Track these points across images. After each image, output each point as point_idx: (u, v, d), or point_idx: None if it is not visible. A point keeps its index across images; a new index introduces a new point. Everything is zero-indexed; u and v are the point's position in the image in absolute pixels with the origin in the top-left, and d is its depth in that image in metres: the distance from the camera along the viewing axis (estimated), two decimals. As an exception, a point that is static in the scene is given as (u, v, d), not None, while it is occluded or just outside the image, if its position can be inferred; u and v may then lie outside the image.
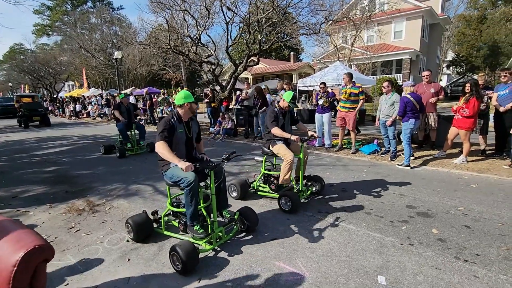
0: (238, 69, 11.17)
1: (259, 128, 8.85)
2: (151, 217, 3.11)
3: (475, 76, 5.85)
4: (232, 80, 11.32)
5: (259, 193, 4.07)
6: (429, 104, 5.85)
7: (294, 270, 2.39)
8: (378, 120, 6.05)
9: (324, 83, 7.28)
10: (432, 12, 21.10)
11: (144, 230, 2.92)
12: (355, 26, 16.81)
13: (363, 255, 2.58)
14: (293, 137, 3.52)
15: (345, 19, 15.52)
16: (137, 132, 7.47)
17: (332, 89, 8.42)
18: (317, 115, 7.17)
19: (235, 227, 2.99)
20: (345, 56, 18.26)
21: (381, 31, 20.11)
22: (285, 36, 13.62)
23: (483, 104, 5.05)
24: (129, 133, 7.38)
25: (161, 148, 2.56)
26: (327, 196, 4.06)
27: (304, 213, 3.52)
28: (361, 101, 6.49)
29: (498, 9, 25.67)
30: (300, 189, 3.80)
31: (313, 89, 10.22)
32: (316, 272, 2.36)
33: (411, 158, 5.53)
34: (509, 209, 3.43)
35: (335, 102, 7.60)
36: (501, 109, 5.02)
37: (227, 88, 11.41)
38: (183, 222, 2.85)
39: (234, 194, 4.01)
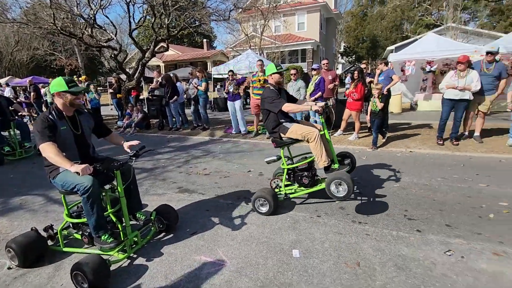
0: (146, 56, 10.24)
1: (174, 119, 8.40)
2: (44, 234, 2.60)
3: (362, 65, 6.87)
4: (139, 68, 10.32)
5: (292, 196, 3.27)
6: (328, 90, 6.60)
7: (215, 261, 2.39)
8: (288, 106, 6.50)
9: (232, 71, 7.36)
10: (327, 7, 23.66)
11: (34, 252, 2.42)
12: (263, 16, 17.48)
13: (279, 233, 2.77)
14: (315, 107, 2.95)
15: (253, 8, 15.94)
16: (18, 132, 6.09)
17: (244, 76, 8.61)
18: (229, 102, 7.26)
19: (152, 228, 2.77)
20: (256, 45, 18.92)
21: (286, 21, 21.47)
22: (195, 22, 13.10)
23: (367, 89, 6.00)
24: (6, 133, 5.96)
25: (48, 151, 2.10)
26: (246, 182, 4.18)
27: (224, 201, 3.53)
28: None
29: (375, 8, 30.72)
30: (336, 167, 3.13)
31: (226, 78, 10.32)
32: (237, 258, 2.41)
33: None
34: (383, 173, 4.18)
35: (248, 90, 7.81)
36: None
37: (135, 76, 10.35)
38: (87, 233, 2.47)
39: (264, 209, 3.10)
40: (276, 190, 3.33)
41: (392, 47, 17.37)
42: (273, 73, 3.26)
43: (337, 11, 27.45)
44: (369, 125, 6.70)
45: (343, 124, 6.28)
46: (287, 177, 3.29)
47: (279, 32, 23.24)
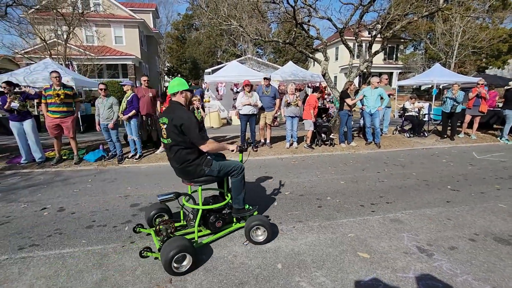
0: None
1: None
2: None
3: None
4: None
5: None
6: (149, 107, 6.39)
7: None
8: (99, 124, 5.75)
9: (7, 82, 5.55)
10: (145, 25, 23.34)
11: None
12: (66, 21, 14.87)
13: (79, 277, 2.29)
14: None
15: (53, 10, 13.27)
16: None
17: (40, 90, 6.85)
18: (12, 123, 5.50)
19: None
20: (60, 54, 15.73)
21: (99, 32, 19.30)
22: None
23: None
24: None
25: (212, 145, 2.50)
26: (35, 224, 3.24)
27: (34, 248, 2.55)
28: (78, 103, 5.86)
29: (193, 33, 33.62)
30: None
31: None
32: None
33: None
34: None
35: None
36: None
37: None
38: (223, 216, 2.82)
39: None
40: None
41: (209, 69, 19.47)
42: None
43: (157, 31, 27.68)
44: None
45: (164, 141, 6.26)
46: None
47: (92, 43, 20.52)
